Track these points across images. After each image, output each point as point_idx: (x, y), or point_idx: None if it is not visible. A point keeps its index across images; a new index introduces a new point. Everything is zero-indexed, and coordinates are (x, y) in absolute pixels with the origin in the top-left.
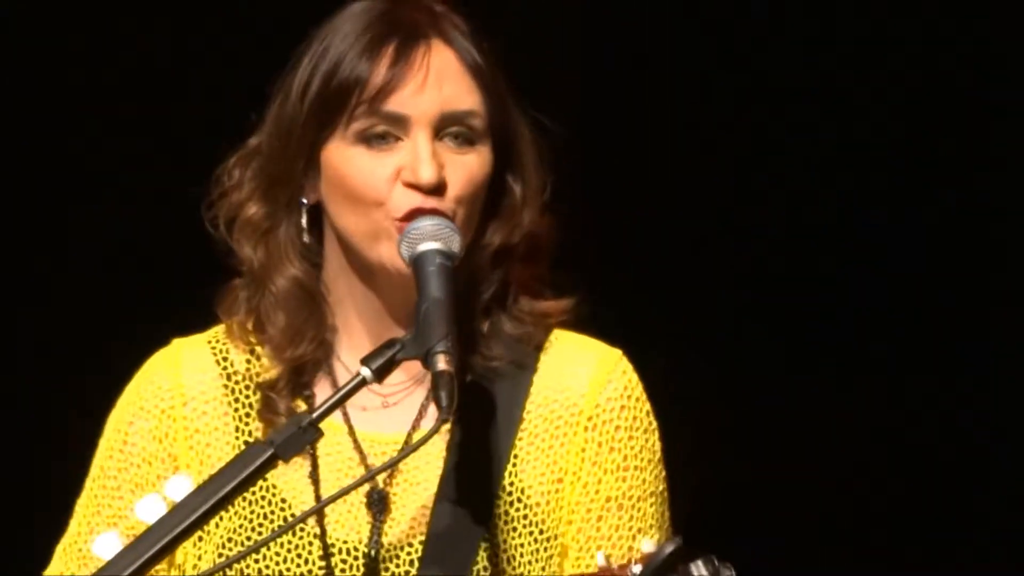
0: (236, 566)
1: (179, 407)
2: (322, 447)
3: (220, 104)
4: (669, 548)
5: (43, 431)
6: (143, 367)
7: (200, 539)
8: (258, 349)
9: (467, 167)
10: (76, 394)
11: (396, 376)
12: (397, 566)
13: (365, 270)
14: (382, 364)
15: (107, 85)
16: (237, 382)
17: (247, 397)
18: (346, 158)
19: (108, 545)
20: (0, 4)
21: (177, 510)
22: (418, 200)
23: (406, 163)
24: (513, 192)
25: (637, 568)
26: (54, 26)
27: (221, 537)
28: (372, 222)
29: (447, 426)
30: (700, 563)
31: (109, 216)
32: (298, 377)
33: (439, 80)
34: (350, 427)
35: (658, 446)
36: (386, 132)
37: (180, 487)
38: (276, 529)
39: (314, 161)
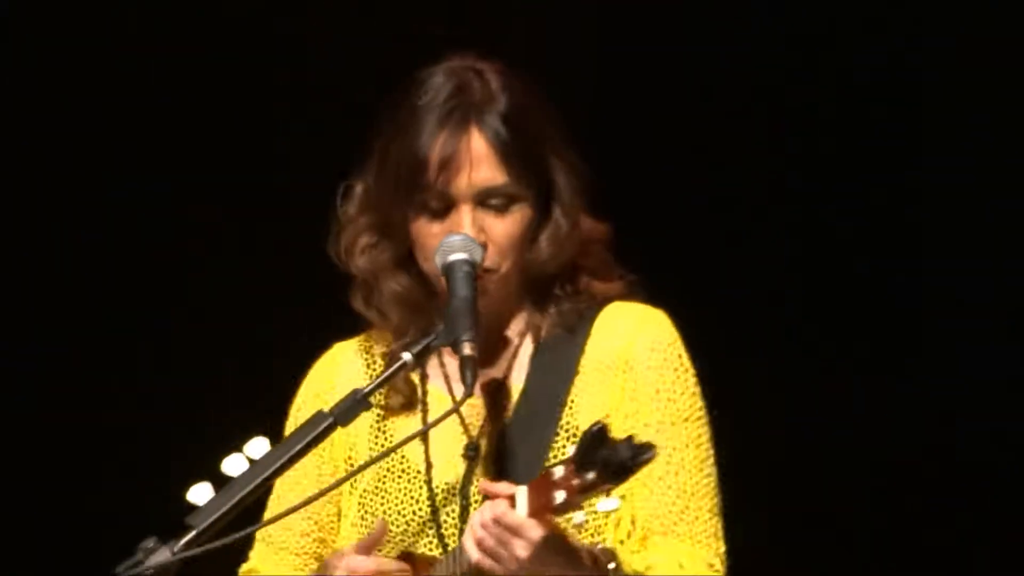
0: (363, 504)
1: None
2: (431, 415)
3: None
4: (594, 428)
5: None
6: (311, 369)
7: (352, 489)
8: (394, 347)
9: (505, 226)
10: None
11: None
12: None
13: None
14: (420, 350)
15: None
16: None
17: (387, 398)
18: (414, 222)
19: (258, 448)
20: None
21: (256, 466)
22: None
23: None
24: (558, 222)
25: (571, 449)
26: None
27: (365, 488)
28: (427, 270)
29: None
30: (622, 443)
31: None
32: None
33: (476, 165)
34: (453, 397)
35: (692, 382)
36: (439, 205)
37: (259, 447)
38: (380, 458)
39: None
